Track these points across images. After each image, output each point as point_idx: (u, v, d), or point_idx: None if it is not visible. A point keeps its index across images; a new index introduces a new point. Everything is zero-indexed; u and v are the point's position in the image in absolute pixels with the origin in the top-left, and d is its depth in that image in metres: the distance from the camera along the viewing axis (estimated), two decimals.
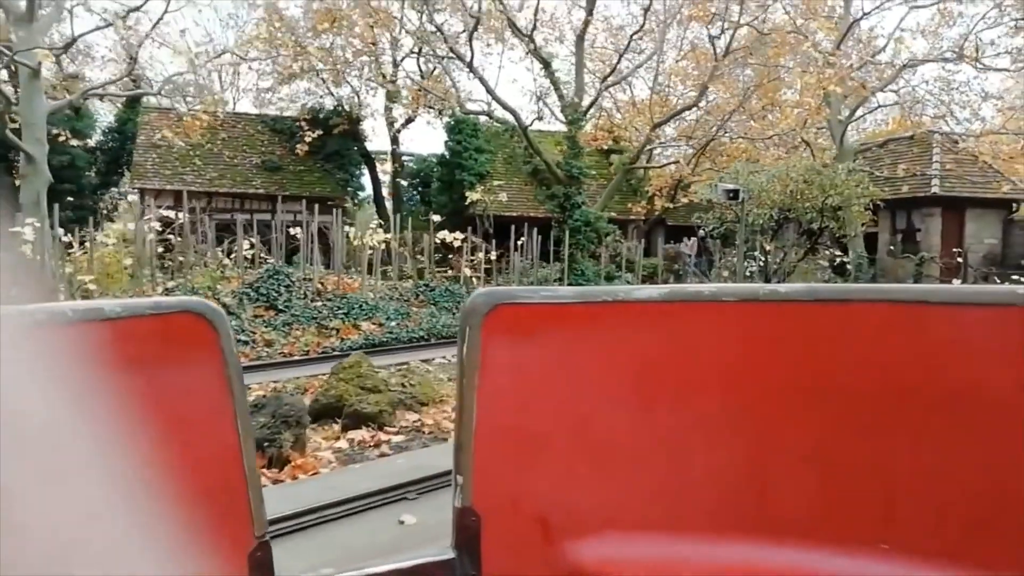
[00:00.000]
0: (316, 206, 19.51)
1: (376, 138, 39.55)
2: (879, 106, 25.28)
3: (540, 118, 24.44)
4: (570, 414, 1.35)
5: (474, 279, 16.69)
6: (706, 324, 1.35)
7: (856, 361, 1.30)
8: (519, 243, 18.52)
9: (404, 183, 35.12)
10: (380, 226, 16.49)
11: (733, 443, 1.35)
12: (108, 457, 0.94)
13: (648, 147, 28.59)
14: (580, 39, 24.20)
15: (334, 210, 18.01)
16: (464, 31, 22.87)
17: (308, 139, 25.57)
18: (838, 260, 21.56)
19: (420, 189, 34.54)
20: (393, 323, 13.18)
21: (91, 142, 29.37)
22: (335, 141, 28.63)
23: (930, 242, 24.83)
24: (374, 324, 12.94)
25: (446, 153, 30.47)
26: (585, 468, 1.35)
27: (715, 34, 21.34)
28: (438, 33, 21.45)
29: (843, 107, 24.74)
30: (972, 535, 1.24)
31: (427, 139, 73.26)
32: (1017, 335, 1.23)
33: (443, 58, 24.05)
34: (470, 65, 22.22)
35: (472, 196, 25.47)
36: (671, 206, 28.92)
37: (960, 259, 21.15)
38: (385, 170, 31.86)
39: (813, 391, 1.32)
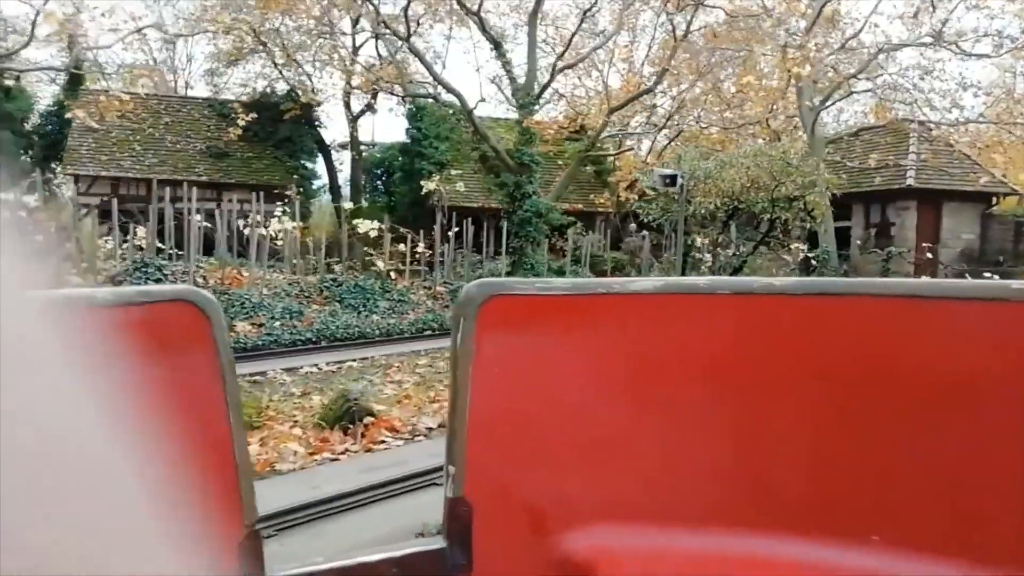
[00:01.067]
0: (287, 197, 18.14)
1: (334, 125, 38.13)
2: (851, 92, 23.78)
3: (483, 100, 22.97)
4: (564, 405, 1.34)
5: (392, 274, 15.23)
6: (701, 317, 1.35)
7: (849, 354, 1.31)
8: (450, 234, 17.08)
9: (367, 173, 33.84)
10: (285, 213, 15.00)
11: (726, 435, 1.35)
12: (97, 446, 0.91)
13: (612, 135, 27.16)
14: (533, 16, 22.70)
15: (285, 198, 16.78)
16: (423, 13, 21.52)
17: (242, 122, 24.01)
18: (802, 255, 20.13)
19: (384, 179, 33.27)
20: (277, 323, 11.77)
21: (27, 126, 27.95)
22: (286, 127, 27.23)
23: (904, 237, 23.48)
24: (252, 325, 11.52)
25: (408, 141, 29.21)
26: (578, 459, 1.35)
27: (672, 11, 19.82)
28: (370, 6, 19.93)
29: (815, 94, 23.30)
30: (962, 527, 1.25)
31: (393, 127, 70.53)
32: (1009, 330, 1.24)
33: (403, 39, 22.50)
34: (407, 40, 20.71)
35: (428, 186, 24.09)
36: (635, 198, 27.54)
37: (931, 255, 19.69)
38: (341, 159, 30.53)
39: (806, 384, 1.33)
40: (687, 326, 1.35)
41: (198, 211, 14.46)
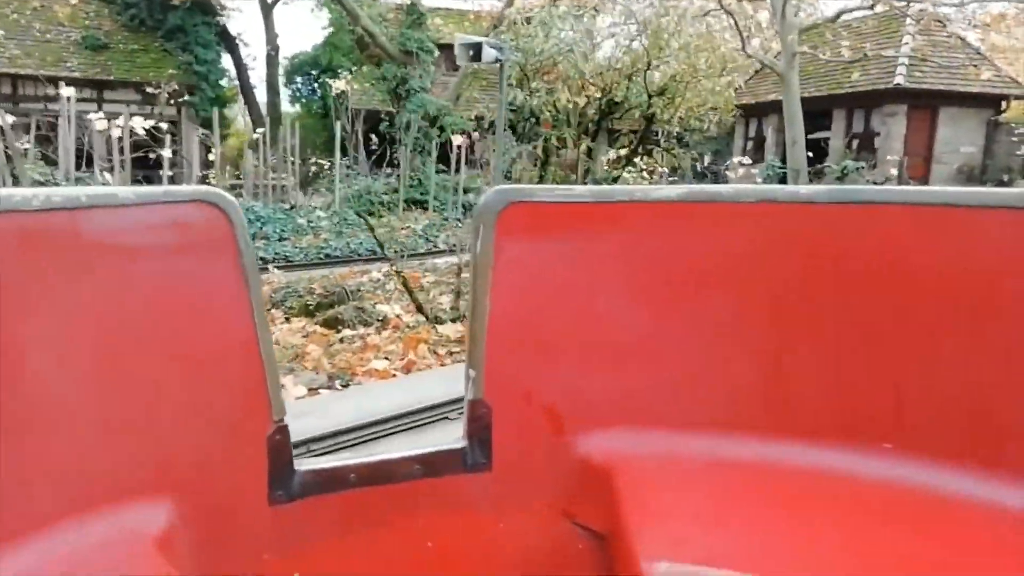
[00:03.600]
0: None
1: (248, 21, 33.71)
2: None
3: None
4: (583, 311, 1.35)
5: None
6: (724, 225, 1.33)
7: (872, 263, 1.30)
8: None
9: (300, 74, 30.02)
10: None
11: (745, 343, 1.35)
12: (128, 346, 1.05)
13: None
14: None
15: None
16: None
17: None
18: (741, 171, 15.95)
19: (320, 81, 29.52)
20: None
21: None
22: (176, 15, 23.24)
23: (890, 149, 19.18)
24: None
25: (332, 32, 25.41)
26: (597, 364, 1.35)
27: None
28: None
29: None
30: (978, 436, 1.25)
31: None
32: None
33: None
34: None
35: (337, 86, 20.17)
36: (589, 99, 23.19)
37: (895, 171, 15.41)
38: (254, 55, 26.52)
39: (827, 292, 1.32)
40: (709, 234, 1.33)
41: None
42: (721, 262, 1.33)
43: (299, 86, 31.48)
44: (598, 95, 10.40)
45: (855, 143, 20.03)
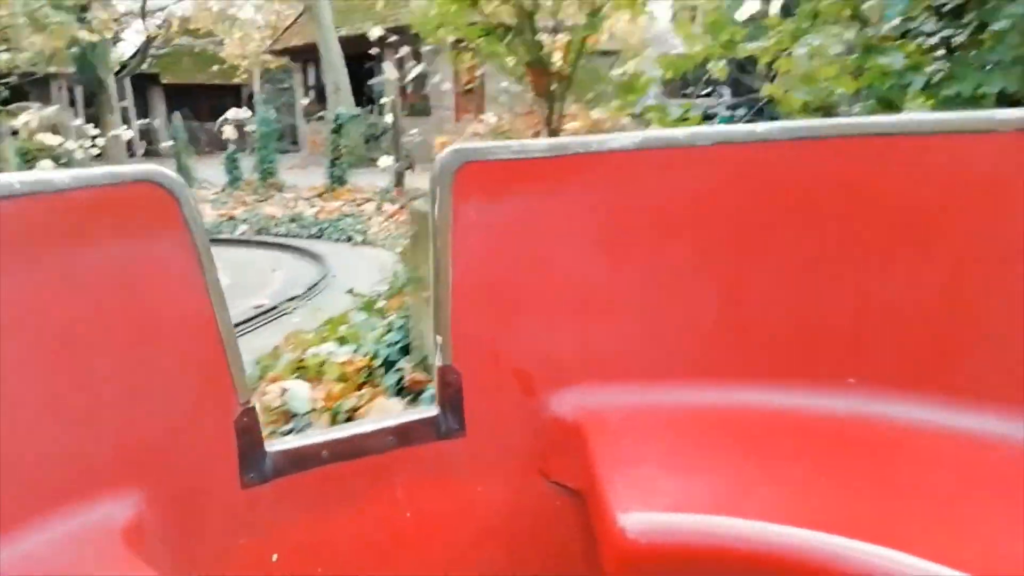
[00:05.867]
0: None
1: None
2: None
3: None
4: (546, 269, 1.36)
5: None
6: (681, 170, 1.35)
7: (830, 197, 1.32)
8: None
9: None
10: None
11: (707, 288, 1.37)
12: (81, 336, 1.01)
13: None
14: None
15: None
16: None
17: None
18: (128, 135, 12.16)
19: None
20: None
21: None
22: None
23: (441, 92, 16.58)
24: None
25: None
26: (562, 321, 1.37)
27: None
28: None
29: None
30: (938, 365, 1.28)
31: None
32: (996, 162, 1.24)
33: None
34: None
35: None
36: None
37: (391, 116, 12.56)
38: None
39: (787, 230, 1.34)
40: (667, 181, 1.34)
41: None
42: (680, 208, 1.33)
43: None
44: None
45: (409, 87, 17.15)
